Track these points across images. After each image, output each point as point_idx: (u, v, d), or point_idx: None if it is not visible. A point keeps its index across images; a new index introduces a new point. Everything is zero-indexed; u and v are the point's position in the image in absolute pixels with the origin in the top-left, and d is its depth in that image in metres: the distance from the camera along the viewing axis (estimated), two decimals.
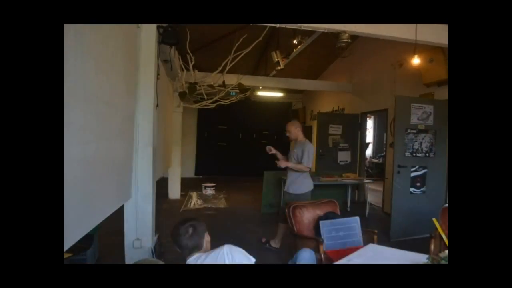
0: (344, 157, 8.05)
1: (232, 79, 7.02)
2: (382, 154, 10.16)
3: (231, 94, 7.45)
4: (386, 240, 4.79)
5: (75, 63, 1.75)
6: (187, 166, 10.70)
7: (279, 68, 6.18)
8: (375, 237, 3.16)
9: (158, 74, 3.80)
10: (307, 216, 3.47)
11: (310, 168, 4.20)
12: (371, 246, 2.65)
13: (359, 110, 8.07)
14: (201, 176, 11.27)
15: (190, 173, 11.34)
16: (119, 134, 2.82)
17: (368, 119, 9.03)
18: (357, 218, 3.30)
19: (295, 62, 7.84)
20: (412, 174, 5.05)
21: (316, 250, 2.89)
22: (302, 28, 3.94)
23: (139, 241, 3.48)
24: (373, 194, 6.92)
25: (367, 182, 6.72)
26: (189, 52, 5.70)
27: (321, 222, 3.20)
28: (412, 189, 5.06)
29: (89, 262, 3.57)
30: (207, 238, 2.05)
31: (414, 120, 5.02)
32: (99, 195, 2.35)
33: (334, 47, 4.44)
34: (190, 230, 1.97)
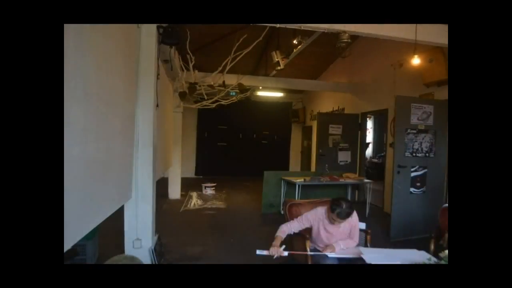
0: (344, 157, 8.05)
1: (232, 79, 7.02)
2: (382, 154, 10.17)
3: (231, 94, 7.45)
4: (387, 240, 4.79)
5: (75, 63, 1.75)
6: (187, 166, 10.71)
7: (279, 68, 6.17)
8: (369, 237, 3.16)
9: (158, 74, 3.80)
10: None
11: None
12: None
13: (359, 110, 8.07)
14: (201, 176, 11.28)
15: (190, 173, 11.35)
16: (119, 134, 2.82)
17: (368, 119, 9.02)
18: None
19: (295, 62, 7.84)
20: (412, 174, 5.05)
21: (303, 247, 2.90)
22: (302, 28, 3.94)
23: (139, 241, 3.48)
24: (373, 194, 6.91)
25: (367, 182, 6.72)
26: (189, 52, 5.70)
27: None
28: (412, 189, 5.06)
29: (89, 262, 3.57)
30: None
31: (414, 120, 5.02)
32: (100, 195, 2.35)
33: (334, 47, 4.43)
34: None
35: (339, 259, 2.72)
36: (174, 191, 7.67)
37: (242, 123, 11.83)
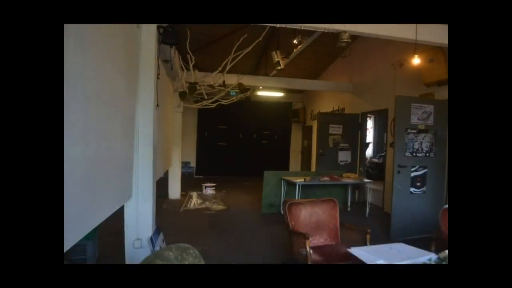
0: (344, 157, 8.05)
1: (232, 79, 7.02)
2: (382, 154, 10.17)
3: (231, 94, 7.45)
4: (386, 240, 4.79)
5: (75, 63, 1.75)
6: (187, 166, 10.73)
7: (279, 68, 6.17)
8: (368, 236, 3.14)
9: (158, 74, 3.80)
10: (303, 213, 3.48)
11: None
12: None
13: (359, 110, 8.07)
14: (201, 176, 11.28)
15: (190, 173, 11.36)
16: (120, 134, 2.82)
17: (368, 119, 9.02)
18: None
19: (296, 62, 7.84)
20: (412, 174, 5.04)
21: (303, 246, 2.90)
22: (302, 28, 3.94)
23: (139, 241, 3.48)
24: (373, 194, 6.91)
25: (367, 182, 6.73)
26: (189, 51, 5.70)
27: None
28: (412, 189, 5.05)
29: (89, 262, 3.57)
30: None
31: (414, 120, 5.01)
32: (100, 195, 2.35)
33: (334, 47, 4.43)
34: None
35: None
36: (174, 191, 7.67)
37: (242, 123, 11.84)
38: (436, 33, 4.12)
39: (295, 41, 6.00)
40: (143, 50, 3.48)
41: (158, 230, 3.83)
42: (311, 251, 2.97)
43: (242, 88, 7.11)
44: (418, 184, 5.07)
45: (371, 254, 2.32)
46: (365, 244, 3.10)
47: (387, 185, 6.78)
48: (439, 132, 5.14)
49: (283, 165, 12.14)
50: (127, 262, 3.43)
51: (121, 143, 2.87)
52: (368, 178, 7.21)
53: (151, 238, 3.50)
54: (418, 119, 5.03)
